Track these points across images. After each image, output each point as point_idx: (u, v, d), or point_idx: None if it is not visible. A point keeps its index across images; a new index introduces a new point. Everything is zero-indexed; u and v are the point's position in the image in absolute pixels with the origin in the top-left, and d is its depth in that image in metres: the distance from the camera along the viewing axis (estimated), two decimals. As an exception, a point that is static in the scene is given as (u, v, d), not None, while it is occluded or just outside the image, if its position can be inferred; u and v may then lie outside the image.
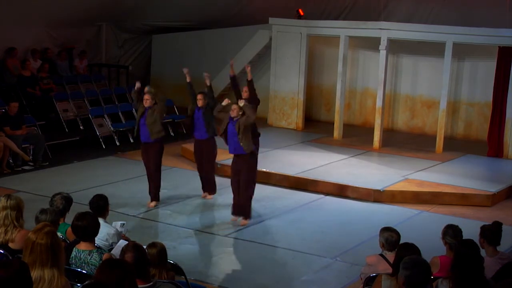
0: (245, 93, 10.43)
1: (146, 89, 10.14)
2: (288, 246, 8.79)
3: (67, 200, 6.70)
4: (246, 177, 9.50)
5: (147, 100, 10.06)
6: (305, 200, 10.84)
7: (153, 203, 10.30)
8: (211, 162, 10.74)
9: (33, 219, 6.11)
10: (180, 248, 8.55)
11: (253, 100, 10.27)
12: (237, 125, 9.30)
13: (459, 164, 12.94)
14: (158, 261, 5.44)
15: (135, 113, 15.57)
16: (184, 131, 15.81)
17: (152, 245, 5.54)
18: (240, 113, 9.34)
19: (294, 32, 15.63)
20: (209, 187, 10.76)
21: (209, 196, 10.73)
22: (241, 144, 9.28)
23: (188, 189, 11.09)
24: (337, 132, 14.93)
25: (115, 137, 14.52)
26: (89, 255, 5.40)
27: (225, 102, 9.71)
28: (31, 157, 12.38)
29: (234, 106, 9.37)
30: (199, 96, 10.45)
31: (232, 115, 9.36)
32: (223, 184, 10.98)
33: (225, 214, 10.02)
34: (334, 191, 11.16)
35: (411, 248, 5.26)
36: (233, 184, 9.68)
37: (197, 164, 10.88)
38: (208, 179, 10.74)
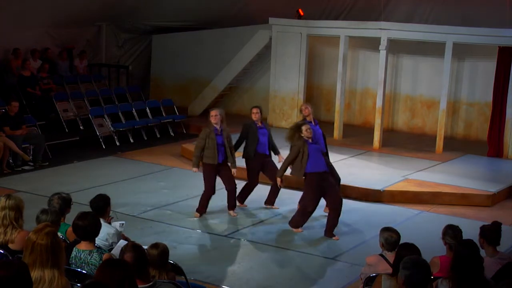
0: (305, 109, 10.09)
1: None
2: (289, 246, 8.79)
3: (64, 200, 6.58)
4: None
5: (216, 117, 9.35)
6: (305, 200, 10.81)
7: (195, 213, 9.88)
8: (275, 172, 9.87)
9: (33, 219, 6.08)
10: (180, 248, 8.55)
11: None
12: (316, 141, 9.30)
13: (459, 164, 12.94)
14: (159, 262, 5.38)
15: (135, 113, 15.59)
16: (184, 131, 15.80)
17: (154, 245, 5.49)
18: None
19: (294, 32, 15.62)
20: (274, 197, 10.33)
21: (275, 207, 10.35)
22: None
23: (188, 189, 11.08)
24: (337, 132, 14.93)
25: (115, 137, 14.52)
26: (89, 255, 5.40)
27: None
28: (31, 157, 12.38)
29: (306, 127, 9.12)
30: (255, 110, 10.00)
31: (310, 136, 9.13)
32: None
33: (225, 214, 10.02)
34: (334, 191, 11.15)
35: (411, 248, 5.26)
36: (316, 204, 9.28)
37: (253, 178, 10.21)
38: (274, 190, 10.23)
